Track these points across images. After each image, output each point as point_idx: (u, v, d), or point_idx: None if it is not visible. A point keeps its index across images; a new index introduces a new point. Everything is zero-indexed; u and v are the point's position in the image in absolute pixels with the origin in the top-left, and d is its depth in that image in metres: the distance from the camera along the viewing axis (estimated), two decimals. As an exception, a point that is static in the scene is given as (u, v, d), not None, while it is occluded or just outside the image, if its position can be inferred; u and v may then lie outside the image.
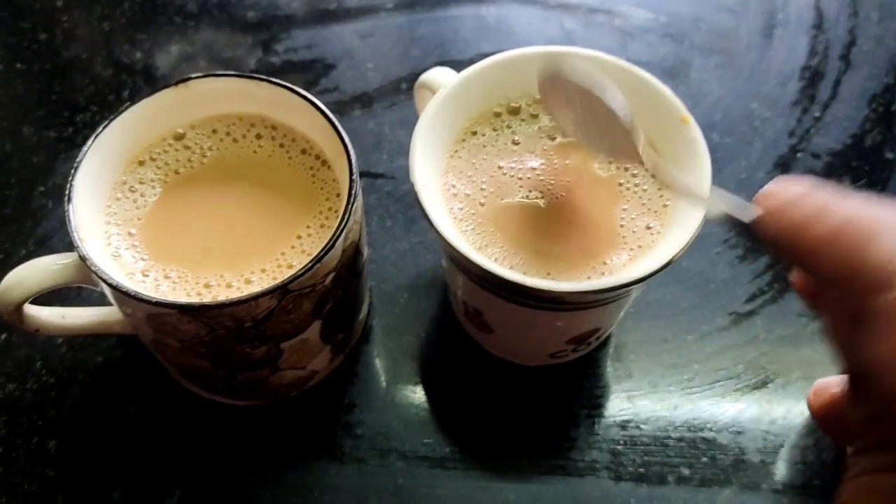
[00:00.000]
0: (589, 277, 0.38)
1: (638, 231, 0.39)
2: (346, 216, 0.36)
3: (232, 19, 0.62)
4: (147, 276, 0.39)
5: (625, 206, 0.40)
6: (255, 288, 0.38)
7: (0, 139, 0.55)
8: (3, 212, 0.52)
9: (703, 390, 0.45)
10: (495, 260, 0.38)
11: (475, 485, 0.43)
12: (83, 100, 0.57)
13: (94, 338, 0.47)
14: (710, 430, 0.44)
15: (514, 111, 0.43)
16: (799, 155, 0.54)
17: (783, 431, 0.44)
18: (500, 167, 0.41)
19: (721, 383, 0.46)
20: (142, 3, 0.63)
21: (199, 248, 0.39)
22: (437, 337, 0.48)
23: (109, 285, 0.35)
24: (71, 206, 0.37)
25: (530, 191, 0.40)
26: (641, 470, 0.43)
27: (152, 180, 0.41)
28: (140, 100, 0.40)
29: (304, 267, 0.35)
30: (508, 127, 0.42)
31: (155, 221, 0.40)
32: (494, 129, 0.42)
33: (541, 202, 0.40)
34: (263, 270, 0.39)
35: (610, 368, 0.46)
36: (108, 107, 0.57)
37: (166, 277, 0.38)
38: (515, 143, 0.42)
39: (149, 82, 0.58)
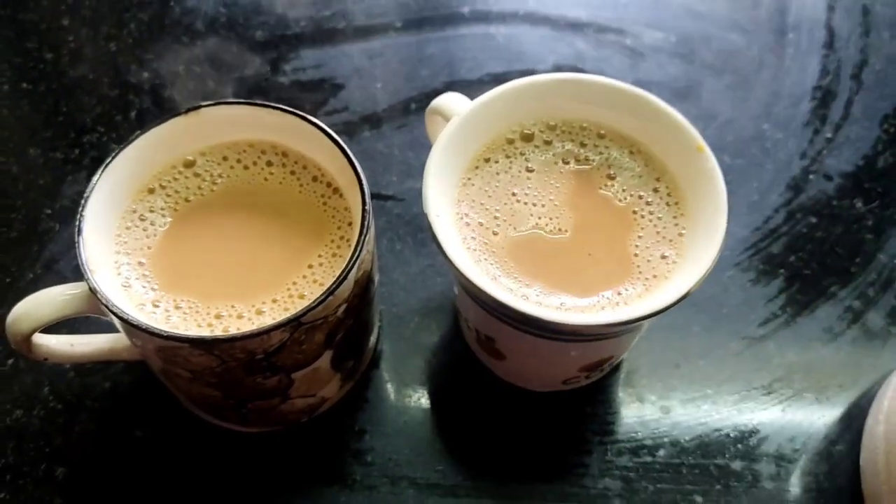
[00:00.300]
0: (603, 308, 0.37)
1: (653, 260, 0.38)
2: (359, 247, 0.36)
3: (240, 38, 0.61)
4: (157, 306, 0.38)
5: (640, 235, 0.39)
6: (267, 318, 0.38)
7: (6, 161, 0.55)
8: (10, 235, 0.52)
9: (716, 416, 0.45)
10: (509, 290, 0.38)
11: (487, 513, 0.42)
12: (90, 121, 0.57)
13: (101, 363, 0.46)
14: (724, 456, 0.44)
15: (528, 138, 0.42)
16: (811, 177, 0.54)
17: (798, 458, 0.44)
18: (513, 194, 0.41)
19: (734, 408, 0.45)
20: (149, 22, 0.63)
21: (210, 278, 0.39)
22: (447, 362, 0.47)
23: (120, 318, 0.35)
24: (81, 239, 0.36)
25: (544, 219, 0.40)
26: (654, 497, 0.43)
27: (162, 208, 0.41)
28: (150, 128, 0.40)
29: (316, 299, 0.35)
30: (522, 154, 0.42)
31: (165, 250, 0.40)
32: (508, 157, 0.42)
33: (554, 231, 0.40)
34: (275, 301, 0.38)
35: (622, 394, 0.46)
36: (115, 127, 0.57)
37: (177, 308, 0.38)
38: (529, 170, 0.41)
39: (156, 102, 0.58)
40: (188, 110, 0.41)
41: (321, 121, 0.40)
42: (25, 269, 0.50)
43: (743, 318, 0.48)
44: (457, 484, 0.43)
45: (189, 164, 0.42)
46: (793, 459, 0.44)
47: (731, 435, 0.44)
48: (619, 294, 0.38)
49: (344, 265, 0.36)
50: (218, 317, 0.38)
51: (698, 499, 0.43)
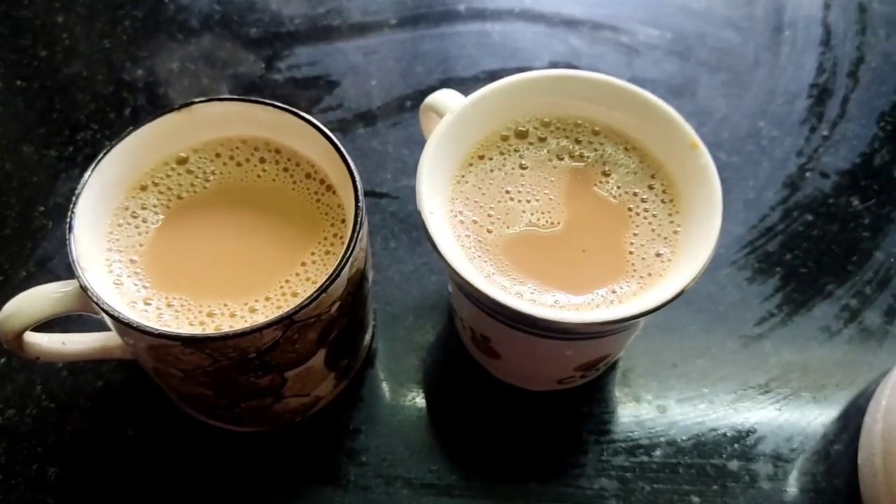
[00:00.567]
0: (598, 306, 0.37)
1: (648, 258, 0.38)
2: (352, 244, 0.36)
3: (234, 35, 0.61)
4: (149, 304, 0.38)
5: (635, 232, 0.39)
6: (260, 317, 0.37)
7: (0, 158, 0.55)
8: (3, 232, 0.51)
9: (712, 415, 0.45)
10: (503, 288, 0.37)
11: (482, 513, 0.42)
12: (84, 118, 0.57)
13: (94, 362, 0.46)
14: (721, 456, 0.44)
15: (522, 134, 0.42)
16: (808, 174, 0.54)
17: (795, 457, 0.43)
18: (507, 192, 0.40)
19: (731, 408, 0.45)
20: (143, 19, 0.62)
21: (202, 276, 0.39)
22: (442, 361, 0.47)
23: (111, 316, 0.34)
24: (72, 236, 0.36)
25: (537, 215, 0.40)
26: (651, 498, 0.42)
27: (154, 206, 0.41)
28: (142, 124, 0.40)
29: (309, 297, 0.34)
30: (516, 151, 0.42)
31: (157, 248, 0.40)
32: (502, 153, 0.41)
33: (549, 228, 0.39)
34: (268, 299, 0.38)
35: (618, 393, 0.46)
36: (109, 125, 0.56)
37: (168, 306, 0.38)
38: (523, 167, 0.41)
39: (150, 100, 0.58)
40: (181, 107, 0.40)
41: (316, 118, 0.40)
42: (18, 267, 0.50)
43: (739, 317, 0.48)
44: (451, 484, 0.43)
45: (182, 161, 0.42)
46: (790, 459, 0.44)
47: (728, 434, 0.44)
48: (614, 292, 0.38)
49: (337, 263, 0.35)
50: (210, 315, 0.38)
51: (695, 499, 0.42)
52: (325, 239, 0.40)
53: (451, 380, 0.46)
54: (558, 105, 0.42)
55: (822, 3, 0.63)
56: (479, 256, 0.38)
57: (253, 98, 0.41)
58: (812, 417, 0.45)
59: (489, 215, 0.40)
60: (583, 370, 0.43)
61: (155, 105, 0.57)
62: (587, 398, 0.46)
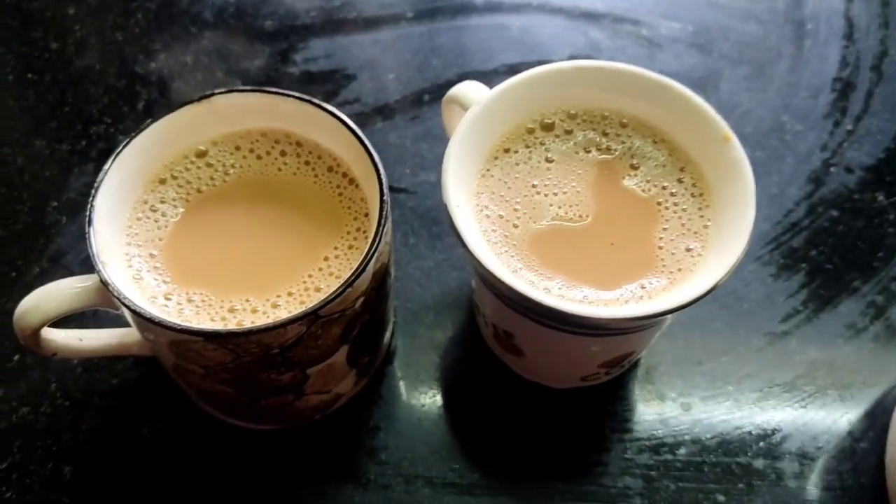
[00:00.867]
0: (627, 302, 0.36)
1: (677, 253, 0.37)
2: (378, 238, 0.35)
3: (249, 28, 0.60)
4: (170, 299, 0.37)
5: (664, 227, 0.38)
6: (282, 312, 0.37)
7: (11, 152, 0.54)
8: (16, 227, 0.51)
9: (737, 413, 0.44)
10: (531, 283, 0.37)
11: (505, 513, 0.41)
12: (97, 111, 0.56)
13: (109, 359, 0.45)
14: (746, 454, 0.43)
15: (548, 127, 0.41)
16: (832, 169, 0.53)
17: (821, 456, 0.43)
18: (533, 186, 0.40)
19: (756, 406, 0.44)
20: (156, 11, 0.62)
21: (223, 270, 0.38)
22: (463, 358, 0.46)
23: (133, 311, 0.34)
24: (92, 229, 0.35)
25: (565, 211, 0.39)
26: (676, 496, 0.42)
27: (174, 199, 0.40)
28: (161, 116, 0.39)
29: (335, 291, 0.34)
30: (542, 143, 0.41)
31: (177, 242, 0.39)
32: (527, 146, 0.41)
33: (576, 222, 0.39)
34: (290, 294, 0.37)
35: (641, 391, 0.45)
36: (122, 118, 0.56)
37: (189, 301, 0.37)
38: (549, 160, 0.40)
39: (164, 93, 0.57)
40: (200, 98, 0.40)
41: (333, 111, 0.39)
42: (32, 263, 0.49)
43: (764, 314, 0.47)
44: (473, 483, 0.42)
45: (201, 154, 0.41)
46: (816, 457, 0.43)
47: (754, 433, 0.43)
48: (643, 287, 0.37)
49: (361, 257, 0.35)
50: (232, 310, 0.37)
51: (721, 497, 0.42)
52: (348, 233, 0.39)
53: (472, 377, 0.46)
54: (585, 97, 0.41)
55: (843, -4, 0.62)
56: (506, 251, 0.37)
57: (274, 89, 0.40)
58: (838, 415, 0.44)
59: (515, 209, 0.39)
60: (607, 367, 0.42)
61: (168, 98, 0.57)
62: (610, 395, 0.45)
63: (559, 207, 0.39)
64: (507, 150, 0.40)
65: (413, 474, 0.42)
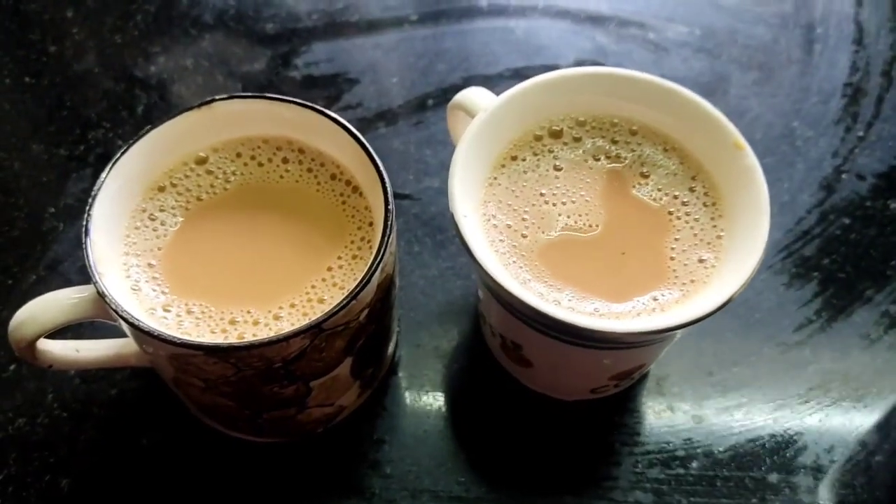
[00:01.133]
0: (639, 315, 0.35)
1: (690, 265, 0.37)
2: (383, 249, 0.34)
3: (250, 31, 0.59)
4: (168, 311, 0.36)
5: (676, 237, 0.37)
6: (284, 324, 0.36)
7: (8, 157, 0.53)
8: (12, 234, 0.50)
9: (750, 426, 0.43)
10: (540, 295, 0.36)
11: (512, 528, 0.40)
12: (95, 116, 0.55)
13: (107, 370, 0.44)
14: (760, 468, 0.42)
15: (556, 134, 0.40)
16: (844, 176, 0.52)
17: (835, 470, 0.42)
18: (541, 195, 0.39)
19: (770, 418, 0.43)
20: (155, 14, 0.61)
21: (224, 281, 0.37)
22: (469, 368, 0.45)
23: (131, 325, 0.33)
24: (89, 240, 0.34)
25: (574, 220, 0.38)
26: (687, 512, 0.41)
27: (173, 207, 0.39)
28: (161, 122, 0.38)
29: (339, 304, 0.33)
30: (550, 151, 0.40)
31: (176, 251, 0.38)
32: (535, 154, 0.40)
33: (586, 233, 0.38)
34: (293, 305, 0.36)
35: (652, 403, 0.44)
36: (121, 123, 0.55)
37: (189, 313, 0.36)
38: (557, 168, 0.39)
39: (163, 97, 0.56)
40: (201, 104, 0.39)
41: (335, 117, 0.38)
42: (28, 271, 0.48)
43: (777, 324, 0.46)
44: (480, 496, 0.41)
45: (201, 161, 0.40)
46: (830, 471, 0.42)
47: (767, 446, 0.43)
48: (655, 300, 0.36)
49: (366, 267, 0.34)
50: (232, 322, 0.36)
51: (733, 513, 0.41)
52: (352, 243, 0.38)
53: (478, 388, 0.45)
54: (594, 104, 0.40)
55: (853, 0, 0.61)
56: (514, 262, 0.37)
57: (276, 95, 0.39)
58: (853, 427, 0.43)
59: (523, 219, 0.38)
60: (617, 379, 0.41)
61: (168, 103, 0.56)
62: (620, 408, 0.44)
63: (568, 217, 0.38)
64: (514, 158, 0.40)
65: (419, 488, 0.42)
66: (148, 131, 0.38)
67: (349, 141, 0.38)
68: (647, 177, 0.39)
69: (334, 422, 0.43)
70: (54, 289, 0.35)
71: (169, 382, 0.39)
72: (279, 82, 0.56)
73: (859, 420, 0.44)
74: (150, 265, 0.37)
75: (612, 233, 0.38)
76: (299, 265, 0.38)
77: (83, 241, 0.34)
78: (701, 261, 0.37)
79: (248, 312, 0.36)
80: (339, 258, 0.38)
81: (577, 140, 0.40)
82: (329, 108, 0.53)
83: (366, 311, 0.35)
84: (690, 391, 0.44)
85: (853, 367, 0.45)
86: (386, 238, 0.35)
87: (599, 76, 0.40)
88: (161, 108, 0.55)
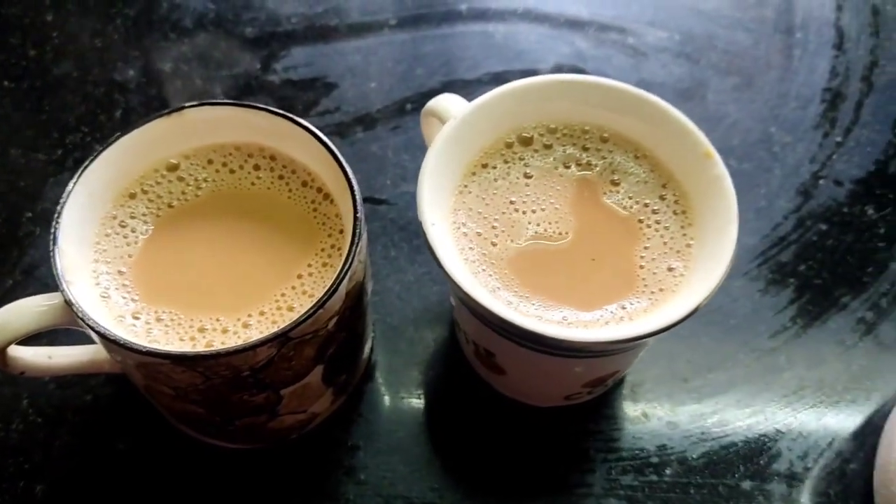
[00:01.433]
0: (608, 323, 0.35)
1: (659, 273, 0.37)
2: (351, 257, 0.34)
3: (229, 35, 0.59)
4: (138, 318, 0.36)
5: (646, 246, 0.37)
6: (254, 332, 0.36)
7: (-14, 161, 0.53)
8: (-11, 239, 0.50)
9: (725, 432, 0.43)
10: (509, 304, 0.36)
11: (485, 535, 0.40)
12: (74, 120, 0.55)
13: (82, 375, 0.44)
14: (734, 476, 0.42)
15: (527, 141, 0.40)
16: (821, 182, 0.52)
17: (810, 477, 0.42)
18: (511, 202, 0.39)
19: (744, 425, 0.43)
20: (135, 18, 0.60)
21: (193, 289, 0.37)
22: (444, 375, 0.45)
23: (98, 333, 0.33)
24: (57, 248, 0.34)
25: (544, 228, 0.38)
26: (660, 519, 0.41)
27: (144, 214, 0.39)
28: (131, 129, 0.38)
29: (305, 313, 0.33)
30: (521, 159, 0.40)
31: (146, 259, 0.38)
32: (506, 162, 0.40)
33: (555, 241, 0.38)
34: (262, 313, 0.36)
35: (627, 409, 0.44)
36: (100, 127, 0.55)
37: (158, 320, 0.36)
38: (528, 175, 0.39)
39: (143, 101, 0.56)
40: (171, 111, 0.39)
41: (313, 121, 0.38)
42: (5, 276, 0.48)
43: (753, 330, 0.46)
44: (454, 503, 0.41)
45: (172, 168, 0.40)
46: (804, 479, 0.42)
47: (741, 453, 0.43)
48: (624, 308, 0.36)
49: (335, 276, 0.34)
50: (201, 330, 0.36)
51: (707, 520, 0.41)
52: (323, 250, 0.38)
53: (454, 394, 0.45)
54: (565, 111, 0.40)
55: (834, 5, 0.61)
56: (484, 270, 0.37)
57: (247, 103, 0.39)
58: (827, 435, 0.43)
59: (493, 227, 0.38)
60: (590, 386, 0.41)
61: (147, 107, 0.56)
62: (594, 414, 0.44)
63: (538, 225, 0.38)
64: (485, 166, 0.40)
65: (392, 494, 0.42)
66: (118, 138, 0.38)
67: (320, 148, 0.38)
68: (617, 184, 0.39)
69: (308, 428, 0.42)
70: (30, 293, 0.35)
71: (141, 389, 0.39)
72: (258, 86, 0.56)
73: (834, 428, 0.44)
74: (120, 272, 0.37)
75: (581, 241, 0.38)
76: (270, 273, 0.37)
77: (51, 249, 0.34)
78: (670, 269, 0.37)
79: (218, 320, 0.36)
80: (310, 265, 0.38)
81: (548, 147, 0.40)
82: (307, 113, 0.54)
83: (335, 320, 0.35)
84: (665, 397, 0.44)
85: (828, 374, 0.45)
86: (354, 247, 0.34)
87: (571, 83, 0.40)
88: (140, 112, 0.55)
